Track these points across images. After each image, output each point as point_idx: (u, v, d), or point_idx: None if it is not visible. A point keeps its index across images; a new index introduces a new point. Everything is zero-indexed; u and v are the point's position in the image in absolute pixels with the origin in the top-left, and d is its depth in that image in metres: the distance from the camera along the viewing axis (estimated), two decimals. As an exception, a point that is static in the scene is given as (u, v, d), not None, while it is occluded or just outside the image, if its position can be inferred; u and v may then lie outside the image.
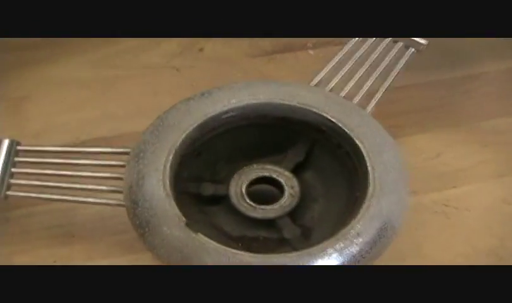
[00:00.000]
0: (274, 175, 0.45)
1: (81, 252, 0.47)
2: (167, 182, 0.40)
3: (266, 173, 0.45)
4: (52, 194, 0.44)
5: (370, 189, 0.40)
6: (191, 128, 0.43)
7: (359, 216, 0.39)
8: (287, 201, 0.44)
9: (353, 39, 0.50)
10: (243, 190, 0.44)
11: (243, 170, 0.45)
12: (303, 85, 0.46)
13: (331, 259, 0.37)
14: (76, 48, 0.60)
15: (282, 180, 0.45)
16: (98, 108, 0.55)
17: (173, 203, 0.39)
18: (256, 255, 0.37)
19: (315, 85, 0.47)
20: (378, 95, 0.47)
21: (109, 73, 0.58)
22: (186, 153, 0.44)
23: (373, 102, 0.46)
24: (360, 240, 0.38)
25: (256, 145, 0.47)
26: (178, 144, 0.42)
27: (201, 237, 0.38)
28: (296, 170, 0.46)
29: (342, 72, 0.48)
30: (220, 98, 0.44)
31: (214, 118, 0.44)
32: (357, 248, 0.38)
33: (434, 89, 0.57)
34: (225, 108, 0.44)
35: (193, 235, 0.38)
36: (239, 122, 0.45)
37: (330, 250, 0.37)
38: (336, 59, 0.49)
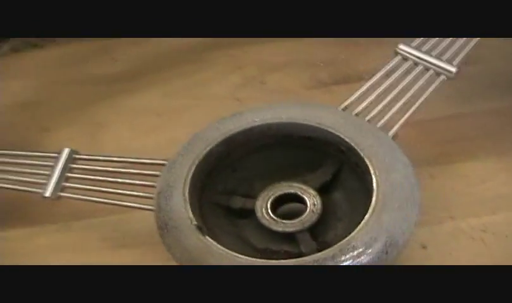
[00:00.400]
0: (299, 192, 0.47)
1: (127, 262, 0.51)
2: (187, 190, 0.44)
3: (292, 190, 0.47)
4: (97, 197, 0.48)
5: (372, 204, 0.41)
6: (215, 142, 0.46)
7: (356, 230, 0.40)
8: (307, 217, 0.45)
9: (387, 66, 0.51)
10: (268, 205, 0.46)
11: (272, 187, 0.48)
12: (328, 107, 0.48)
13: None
14: (152, 81, 0.66)
15: (306, 197, 0.46)
16: (165, 134, 0.60)
17: (188, 207, 0.43)
18: (252, 259, 0.40)
19: (343, 109, 0.48)
20: (401, 119, 0.47)
21: (178, 103, 0.63)
22: (218, 167, 0.48)
23: (396, 126, 0.47)
24: (355, 253, 0.39)
25: (290, 165, 0.49)
26: (202, 156, 0.46)
27: (208, 240, 0.41)
28: (324, 190, 0.47)
29: (371, 97, 0.49)
30: (247, 118, 0.47)
31: (239, 134, 0.47)
32: (351, 261, 0.39)
33: (482, 118, 0.56)
34: (248, 126, 0.47)
35: (201, 237, 0.41)
36: (264, 139, 0.48)
37: (321, 261, 0.39)
38: (367, 84, 0.50)
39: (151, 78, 0.67)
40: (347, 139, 0.45)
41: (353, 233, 0.40)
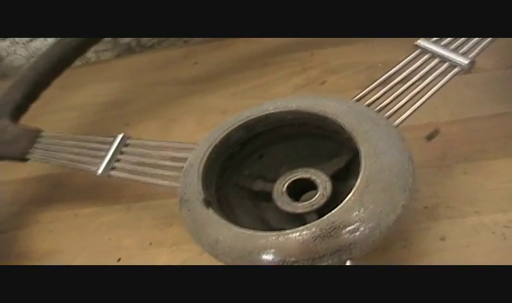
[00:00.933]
0: (312, 177, 0.49)
1: (170, 238, 0.56)
2: (201, 168, 0.47)
3: (306, 176, 0.49)
4: (138, 176, 0.53)
5: (356, 185, 0.42)
6: (232, 128, 0.50)
7: (337, 208, 0.41)
8: (316, 200, 0.47)
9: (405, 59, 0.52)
10: (284, 188, 0.49)
11: (290, 172, 0.50)
12: (336, 98, 0.50)
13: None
14: (223, 83, 0.71)
15: (318, 182, 0.48)
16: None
17: (200, 183, 0.46)
18: (242, 229, 0.43)
19: (356, 100, 0.50)
20: (410, 109, 0.48)
21: (243, 102, 0.67)
22: (242, 153, 0.51)
23: (402, 115, 0.47)
24: (335, 231, 0.40)
25: (311, 154, 0.52)
26: (219, 140, 0.49)
27: (210, 211, 0.45)
28: (338, 177, 0.49)
29: (384, 88, 0.50)
30: (264, 107, 0.51)
31: (254, 121, 0.50)
32: (331, 238, 0.40)
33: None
34: (263, 113, 0.50)
35: (205, 209, 0.45)
36: (284, 128, 0.51)
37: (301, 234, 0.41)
38: (384, 76, 0.51)
39: (223, 80, 0.72)
40: (342, 124, 0.46)
41: (333, 211, 0.41)
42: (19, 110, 0.63)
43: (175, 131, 0.68)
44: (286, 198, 0.48)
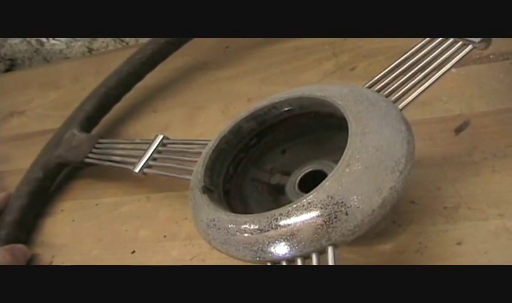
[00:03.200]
0: (325, 169, 0.47)
1: (184, 231, 0.55)
2: (207, 158, 0.47)
3: (319, 167, 0.47)
4: (172, 173, 0.54)
5: (338, 164, 0.39)
6: (241, 118, 0.49)
7: (314, 189, 0.39)
8: None
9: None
10: (297, 180, 0.48)
11: (305, 164, 0.49)
12: (341, 84, 0.48)
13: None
14: (253, 68, 0.69)
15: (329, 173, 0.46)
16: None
17: (202, 172, 0.46)
18: (230, 214, 0.42)
19: (368, 86, 0.47)
20: (414, 91, 0.45)
21: (270, 89, 0.65)
22: (262, 146, 0.50)
23: (407, 97, 0.44)
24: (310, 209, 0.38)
25: (334, 146, 0.48)
26: (227, 130, 0.48)
27: (205, 198, 0.44)
28: None
29: (393, 74, 0.47)
30: (273, 97, 0.49)
31: (263, 111, 0.49)
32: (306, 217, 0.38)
33: None
34: (268, 104, 0.48)
35: (202, 196, 0.44)
36: (294, 119, 0.49)
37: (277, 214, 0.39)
38: (396, 62, 0.48)
39: (253, 65, 0.69)
40: (338, 106, 0.43)
41: (310, 192, 0.39)
42: (89, 121, 0.68)
43: (199, 120, 0.66)
44: (297, 190, 0.47)
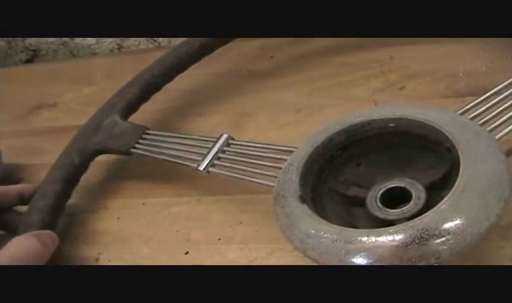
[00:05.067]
0: (407, 187, 0.48)
1: (239, 235, 0.56)
2: (301, 167, 0.48)
3: (401, 184, 0.49)
4: (236, 174, 0.54)
5: (453, 190, 0.42)
6: (334, 131, 0.50)
7: (431, 211, 0.41)
8: (408, 208, 0.47)
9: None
10: (378, 195, 0.49)
11: (385, 180, 0.50)
12: (438, 109, 0.49)
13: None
14: (299, 80, 0.70)
15: (412, 191, 0.48)
16: (299, 128, 0.64)
17: (297, 180, 0.47)
18: (332, 225, 0.44)
19: (460, 113, 0.49)
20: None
21: (318, 101, 0.66)
22: (341, 158, 0.52)
23: (505, 129, 0.46)
24: (427, 234, 0.40)
25: (409, 165, 0.51)
26: (320, 142, 0.50)
27: (305, 208, 0.45)
28: (434, 188, 0.48)
29: (489, 103, 0.49)
30: (367, 115, 0.51)
31: (357, 126, 0.51)
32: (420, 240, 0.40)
33: None
34: (364, 120, 0.50)
35: (300, 205, 0.46)
36: (384, 136, 0.51)
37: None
38: (492, 91, 0.50)
39: (299, 77, 0.70)
40: (445, 133, 0.46)
41: (427, 213, 0.41)
42: (129, 109, 0.67)
43: (247, 126, 0.67)
44: (379, 205, 0.48)
